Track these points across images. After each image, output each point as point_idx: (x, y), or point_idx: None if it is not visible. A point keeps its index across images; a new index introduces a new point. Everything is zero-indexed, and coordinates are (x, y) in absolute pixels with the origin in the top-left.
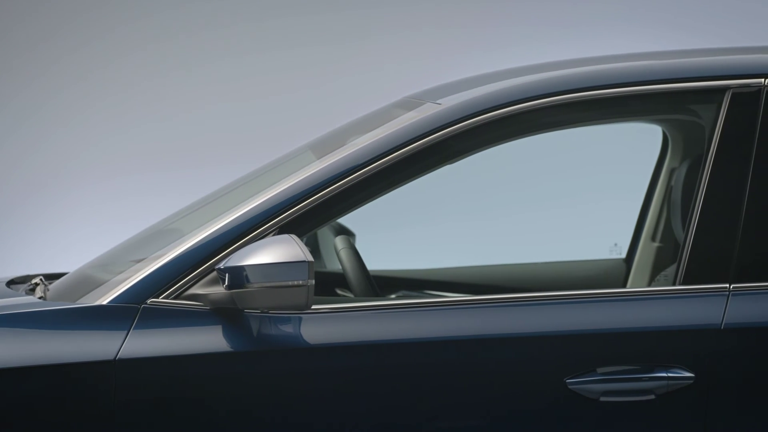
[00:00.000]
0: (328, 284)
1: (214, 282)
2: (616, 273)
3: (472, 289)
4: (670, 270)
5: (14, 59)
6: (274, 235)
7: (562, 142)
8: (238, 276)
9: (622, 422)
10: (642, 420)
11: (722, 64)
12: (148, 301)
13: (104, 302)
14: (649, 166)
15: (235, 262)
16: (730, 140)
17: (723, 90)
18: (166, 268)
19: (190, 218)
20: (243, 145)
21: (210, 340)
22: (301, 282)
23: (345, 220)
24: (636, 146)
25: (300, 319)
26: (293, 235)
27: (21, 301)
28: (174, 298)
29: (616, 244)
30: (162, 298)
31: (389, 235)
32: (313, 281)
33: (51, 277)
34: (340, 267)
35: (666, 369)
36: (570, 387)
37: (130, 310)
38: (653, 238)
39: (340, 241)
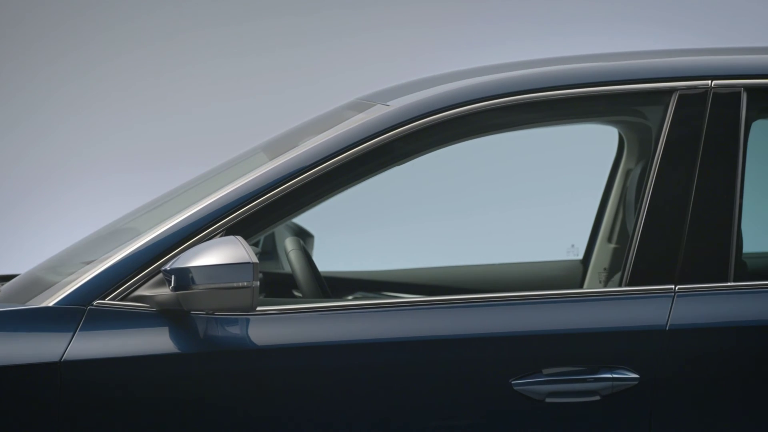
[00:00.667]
0: (287, 285)
1: (161, 284)
2: (573, 274)
3: (430, 290)
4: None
5: (14, 59)
6: (221, 236)
7: (522, 143)
8: (184, 277)
9: (567, 423)
10: (587, 421)
11: (670, 66)
12: (95, 303)
13: (50, 304)
14: (607, 168)
15: (180, 263)
16: (677, 142)
17: (670, 92)
18: (113, 269)
19: (143, 218)
20: (238, 144)
21: (156, 341)
22: (245, 283)
23: (304, 222)
24: (595, 148)
25: (247, 320)
26: (239, 237)
27: None
28: (120, 300)
29: (573, 245)
30: (108, 300)
31: (351, 237)
32: (258, 283)
33: (5, 279)
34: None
35: (611, 370)
36: (515, 388)
37: (76, 312)
38: (609, 240)
39: (290, 243)
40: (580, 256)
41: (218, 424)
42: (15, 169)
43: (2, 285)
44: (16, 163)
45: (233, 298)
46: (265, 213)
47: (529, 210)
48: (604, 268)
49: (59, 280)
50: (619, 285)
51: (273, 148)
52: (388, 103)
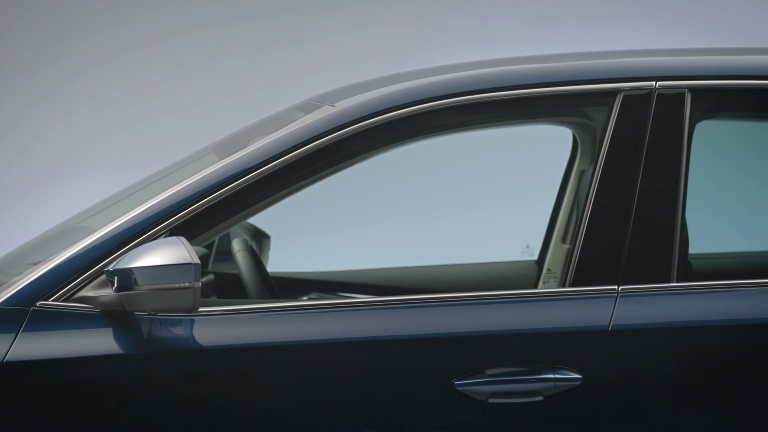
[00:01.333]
0: (241, 286)
1: (104, 284)
2: (528, 274)
3: (386, 290)
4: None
5: (13, 58)
6: (165, 237)
7: (479, 144)
8: (127, 278)
9: (510, 423)
10: (530, 421)
11: (614, 67)
12: (38, 304)
13: None
14: (563, 169)
15: (123, 264)
16: (621, 143)
17: (615, 93)
18: (57, 270)
19: (96, 217)
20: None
21: (99, 342)
22: (187, 284)
23: (262, 223)
24: (553, 148)
25: (189, 321)
26: (182, 238)
27: None
28: (64, 301)
29: (528, 246)
30: (52, 301)
31: (310, 238)
32: (200, 284)
33: None
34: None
35: (554, 370)
36: (458, 388)
37: (19, 313)
38: (563, 240)
39: (237, 244)
40: (535, 257)
41: (162, 425)
42: (14, 169)
43: None
44: (15, 163)
45: (175, 298)
46: (210, 213)
47: (486, 211)
48: (548, 269)
49: (5, 280)
50: (563, 285)
51: (222, 149)
52: (335, 104)
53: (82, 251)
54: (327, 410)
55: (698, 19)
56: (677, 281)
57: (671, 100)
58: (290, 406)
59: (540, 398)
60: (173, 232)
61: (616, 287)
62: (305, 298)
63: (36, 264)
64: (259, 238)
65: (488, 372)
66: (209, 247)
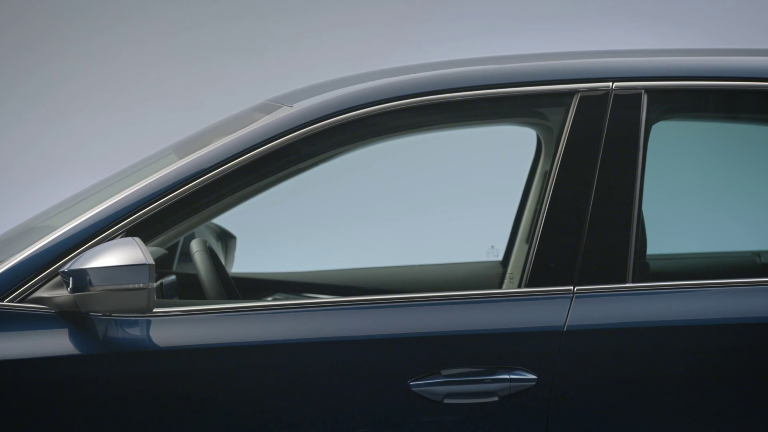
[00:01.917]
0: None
1: (60, 285)
2: (493, 275)
3: (351, 291)
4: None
5: (12, 57)
6: (121, 237)
7: (447, 145)
8: (81, 279)
9: (465, 424)
10: (485, 421)
11: (571, 68)
12: None
13: None
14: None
15: (78, 265)
16: (578, 143)
17: (572, 93)
18: (12, 270)
19: (58, 216)
20: None
21: (55, 343)
22: (141, 285)
23: (229, 224)
24: (521, 149)
25: (144, 322)
26: (136, 238)
27: None
28: (20, 302)
29: (492, 247)
30: (7, 302)
31: (277, 239)
32: (154, 284)
33: None
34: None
35: (509, 371)
36: (413, 389)
37: None
38: (527, 241)
39: (195, 245)
40: (500, 257)
41: (117, 426)
42: (14, 168)
43: None
44: (15, 162)
45: (129, 299)
46: (167, 214)
47: (453, 212)
48: (511, 271)
49: None
50: (520, 286)
51: (182, 149)
52: (292, 105)
53: (37, 252)
54: (282, 411)
55: (688, 15)
56: (633, 282)
57: (628, 100)
58: (245, 406)
59: (495, 399)
60: (130, 232)
61: (571, 288)
62: (270, 298)
63: None
64: (225, 238)
65: (444, 373)
66: (173, 247)
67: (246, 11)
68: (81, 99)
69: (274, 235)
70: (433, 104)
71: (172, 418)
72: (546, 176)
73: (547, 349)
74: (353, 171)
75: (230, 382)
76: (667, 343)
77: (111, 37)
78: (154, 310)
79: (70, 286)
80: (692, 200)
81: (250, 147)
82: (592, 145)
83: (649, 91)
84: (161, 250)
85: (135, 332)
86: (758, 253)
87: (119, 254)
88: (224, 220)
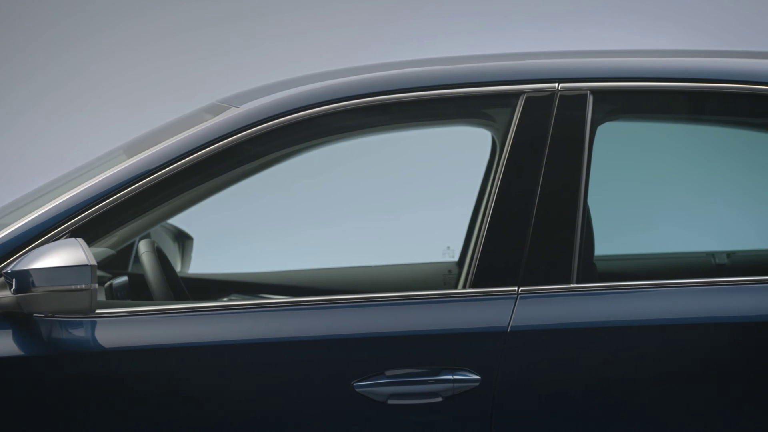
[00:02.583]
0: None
1: (3, 286)
2: (449, 275)
3: (307, 291)
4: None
5: (11, 57)
6: (66, 238)
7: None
8: (24, 280)
9: (409, 425)
10: (429, 422)
11: (517, 69)
12: None
13: None
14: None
15: (21, 266)
16: (523, 144)
17: (517, 94)
18: None
19: (11, 216)
20: None
21: None
22: (84, 286)
23: (186, 225)
24: (475, 150)
25: (88, 323)
26: (80, 239)
27: None
28: None
29: (448, 247)
30: None
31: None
32: (96, 285)
33: None
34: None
35: (453, 371)
36: (357, 390)
37: None
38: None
39: (142, 246)
40: (456, 258)
41: (60, 427)
42: (13, 166)
43: None
44: (14, 161)
45: (72, 300)
46: (112, 215)
47: (411, 213)
48: (449, 270)
49: None
50: (464, 287)
51: (131, 150)
52: (239, 106)
53: None
54: (226, 411)
55: (696, 17)
56: (577, 282)
57: (573, 101)
58: (188, 407)
59: (439, 399)
60: (75, 233)
61: (516, 288)
62: (226, 299)
63: None
64: (182, 239)
65: (388, 373)
66: (129, 248)
67: (246, 11)
68: (80, 99)
69: (233, 236)
70: (379, 105)
71: (114, 419)
72: (493, 177)
73: (490, 350)
74: (310, 172)
75: (173, 383)
76: (611, 344)
77: (111, 36)
78: (98, 311)
79: (13, 287)
80: (638, 201)
81: (195, 148)
82: (538, 145)
83: (594, 92)
84: (108, 251)
85: (78, 333)
86: (713, 254)
87: (62, 255)
88: (183, 222)
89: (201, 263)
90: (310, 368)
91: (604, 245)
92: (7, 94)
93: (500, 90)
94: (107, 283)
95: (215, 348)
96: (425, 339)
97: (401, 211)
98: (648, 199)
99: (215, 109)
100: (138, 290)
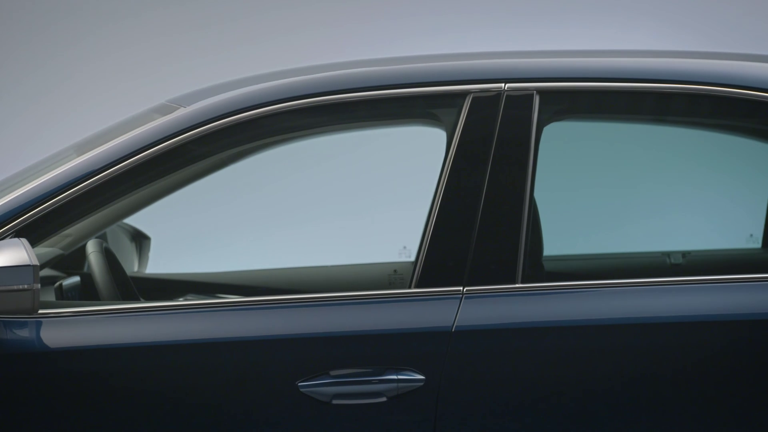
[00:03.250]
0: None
1: None
2: (404, 275)
3: (263, 291)
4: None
5: (10, 57)
6: (10, 238)
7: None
8: None
9: (353, 425)
10: (373, 422)
11: (463, 69)
12: None
13: None
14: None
15: None
16: (469, 144)
17: (464, 94)
18: None
19: None
20: None
21: None
22: (26, 286)
23: (143, 224)
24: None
25: (31, 323)
26: (23, 239)
27: None
28: None
29: (405, 247)
30: None
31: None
32: (39, 285)
33: None
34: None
35: (397, 371)
36: (302, 390)
37: None
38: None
39: (90, 246)
40: (413, 258)
41: (5, 428)
42: (14, 167)
43: None
44: (15, 161)
45: (14, 300)
46: (58, 215)
47: (368, 212)
48: (395, 270)
49: None
50: (408, 286)
51: (80, 149)
52: (187, 106)
53: None
54: (171, 411)
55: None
56: (523, 282)
57: (520, 101)
58: (131, 408)
59: (383, 399)
60: (20, 233)
61: (461, 288)
62: (182, 299)
63: None
64: (139, 239)
65: (332, 373)
66: (81, 249)
67: (246, 11)
68: (80, 98)
69: (192, 236)
70: (325, 105)
71: (58, 421)
72: (439, 176)
73: (435, 350)
74: (266, 173)
75: (118, 383)
76: (557, 344)
77: (110, 36)
78: (43, 311)
79: None
80: (589, 201)
81: (141, 148)
82: (484, 145)
83: (541, 92)
84: (57, 251)
85: (22, 333)
86: (668, 254)
87: (4, 255)
88: (142, 222)
89: (164, 263)
90: (255, 368)
91: (556, 246)
92: (8, 94)
93: (447, 90)
94: (57, 284)
95: (158, 348)
96: (370, 339)
97: (360, 210)
98: (598, 199)
99: (164, 109)
100: (90, 291)
